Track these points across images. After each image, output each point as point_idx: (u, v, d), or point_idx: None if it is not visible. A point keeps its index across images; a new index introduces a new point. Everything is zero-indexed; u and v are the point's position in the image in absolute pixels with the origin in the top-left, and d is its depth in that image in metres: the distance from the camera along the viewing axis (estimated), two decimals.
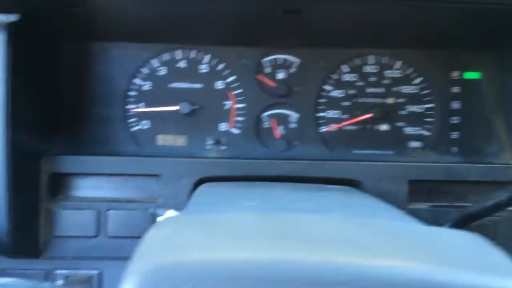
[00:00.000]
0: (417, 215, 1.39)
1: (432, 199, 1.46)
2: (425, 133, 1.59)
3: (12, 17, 1.20)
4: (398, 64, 1.59)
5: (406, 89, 1.59)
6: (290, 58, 1.57)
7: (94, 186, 1.40)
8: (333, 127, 1.58)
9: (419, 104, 1.59)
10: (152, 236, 0.55)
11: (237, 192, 1.06)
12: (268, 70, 1.57)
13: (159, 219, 1.21)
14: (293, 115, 1.58)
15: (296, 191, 1.10)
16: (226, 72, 1.55)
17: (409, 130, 1.59)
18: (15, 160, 1.19)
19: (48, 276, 1.33)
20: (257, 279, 0.41)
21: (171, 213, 1.22)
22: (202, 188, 1.19)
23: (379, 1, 1.17)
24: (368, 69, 1.58)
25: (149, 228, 0.60)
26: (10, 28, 1.17)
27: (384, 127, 1.59)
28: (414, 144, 1.55)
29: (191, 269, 0.44)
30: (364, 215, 0.74)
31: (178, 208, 1.35)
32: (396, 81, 1.59)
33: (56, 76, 1.47)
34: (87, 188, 1.40)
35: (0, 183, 1.16)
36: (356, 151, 1.58)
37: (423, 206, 1.44)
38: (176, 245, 0.50)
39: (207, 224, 0.58)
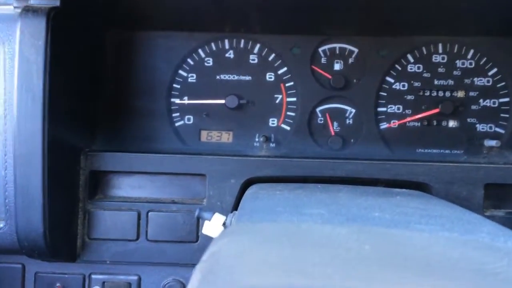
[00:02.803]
0: None
1: (511, 205, 1.28)
2: (500, 130, 1.41)
3: (52, 2, 1.11)
4: (470, 53, 1.41)
5: (478, 81, 1.41)
6: (348, 47, 1.42)
7: (135, 185, 1.31)
8: (395, 123, 1.42)
9: (493, 98, 1.41)
10: (229, 250, 0.43)
11: (296, 196, 0.93)
12: (323, 60, 1.43)
13: (207, 223, 1.10)
14: (350, 110, 1.43)
15: (361, 196, 0.96)
16: (278, 63, 1.43)
17: (482, 127, 1.41)
18: (53, 156, 1.10)
19: (85, 281, 1.24)
20: None
21: (218, 217, 1.11)
22: (254, 189, 1.07)
23: None
24: (436, 59, 1.42)
25: (217, 237, 0.48)
26: (51, 14, 1.08)
27: (453, 123, 1.42)
28: (489, 143, 1.37)
29: None
30: (468, 232, 0.60)
31: (224, 210, 1.25)
32: (468, 73, 1.41)
33: (98, 67, 1.39)
34: (127, 187, 1.31)
35: (36, 181, 1.07)
36: (420, 150, 1.42)
37: (500, 213, 1.27)
38: (265, 265, 0.38)
39: (288, 238, 0.45)
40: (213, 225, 1.10)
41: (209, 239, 1.10)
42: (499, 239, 0.55)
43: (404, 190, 1.12)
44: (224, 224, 1.10)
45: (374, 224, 0.63)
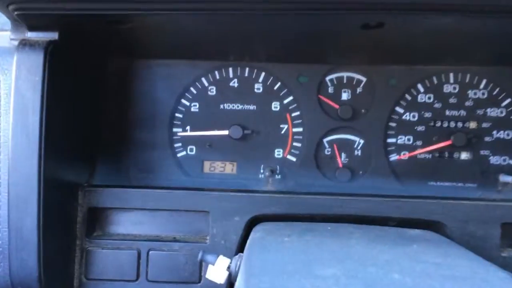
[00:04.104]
0: (511, 264, 1.18)
1: None
2: None
3: (51, 35, 1.06)
4: (483, 83, 1.36)
5: (491, 112, 1.36)
6: (356, 76, 1.38)
7: (135, 221, 1.26)
8: (405, 155, 1.37)
9: (507, 129, 1.36)
10: None
11: (306, 244, 0.87)
12: (330, 89, 1.38)
13: (211, 267, 1.04)
14: (359, 141, 1.38)
15: (375, 244, 0.90)
16: (283, 92, 1.38)
17: (495, 159, 1.36)
18: (50, 194, 1.05)
19: None
20: None
21: (222, 260, 1.06)
22: (260, 234, 1.01)
23: (477, 12, 0.96)
24: (447, 88, 1.37)
25: None
26: (49, 48, 1.04)
27: (465, 156, 1.37)
28: (504, 178, 1.31)
29: None
30: None
31: (228, 250, 1.19)
32: (480, 103, 1.36)
33: (98, 98, 1.34)
34: (127, 223, 1.26)
35: (31, 222, 1.02)
36: (432, 184, 1.36)
37: None
38: None
39: None
40: (217, 270, 1.05)
41: (213, 281, 1.05)
42: None
43: (418, 232, 1.07)
44: (229, 267, 1.05)
45: None
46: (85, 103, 1.26)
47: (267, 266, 0.75)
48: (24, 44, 1.03)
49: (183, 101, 1.38)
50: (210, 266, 1.04)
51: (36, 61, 1.02)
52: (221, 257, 1.05)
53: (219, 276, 1.04)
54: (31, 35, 1.06)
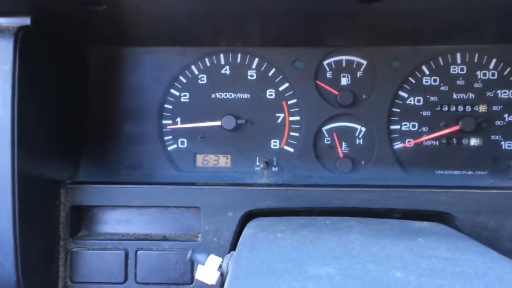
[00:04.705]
0: None
1: None
2: None
3: (22, 21, 0.99)
4: (493, 62, 1.27)
5: (502, 93, 1.27)
6: (356, 59, 1.29)
7: (122, 219, 1.18)
8: (410, 142, 1.28)
9: None
10: None
11: (300, 240, 0.79)
12: (329, 74, 1.29)
13: (200, 267, 0.96)
14: (360, 129, 1.29)
15: (377, 238, 0.82)
16: (278, 78, 1.29)
17: (507, 145, 1.27)
18: (26, 192, 0.98)
19: None
20: None
21: (213, 259, 0.97)
22: (252, 230, 0.93)
23: None
24: (454, 70, 1.28)
25: None
26: (19, 34, 0.96)
27: (475, 142, 1.27)
28: None
29: None
30: None
31: (222, 247, 1.12)
32: (490, 84, 1.27)
33: (80, 88, 1.26)
34: (113, 222, 1.18)
35: (6, 222, 0.95)
36: (439, 172, 1.27)
37: None
38: None
39: None
40: (207, 270, 0.97)
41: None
42: None
43: (425, 224, 0.98)
44: (220, 267, 0.97)
45: None
46: (65, 95, 1.18)
47: (255, 266, 0.66)
48: None
49: (172, 91, 1.30)
50: (199, 266, 0.96)
51: (5, 48, 0.94)
52: (211, 256, 0.97)
53: (210, 277, 0.96)
54: (1, 21, 0.98)
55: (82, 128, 1.26)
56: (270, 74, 1.29)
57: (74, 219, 1.15)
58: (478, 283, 0.59)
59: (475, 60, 1.27)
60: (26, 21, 0.99)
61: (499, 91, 1.27)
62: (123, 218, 1.18)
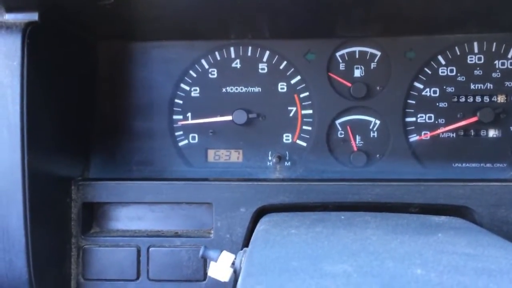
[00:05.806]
0: None
1: None
2: None
3: (30, 16, 0.97)
4: (511, 51, 1.23)
5: None
6: (369, 50, 1.26)
7: (134, 216, 1.17)
8: (427, 135, 1.25)
9: None
10: None
11: (315, 237, 0.77)
12: (342, 66, 1.26)
13: (213, 264, 0.95)
14: (375, 122, 1.26)
15: (394, 233, 0.79)
16: (290, 71, 1.27)
17: None
18: (37, 189, 0.97)
19: None
20: None
21: (226, 256, 0.96)
22: (265, 225, 0.91)
23: None
24: (472, 59, 1.24)
25: None
26: (27, 30, 0.95)
27: (493, 133, 1.24)
28: None
29: None
30: None
31: (234, 244, 1.10)
32: (509, 74, 1.23)
33: (89, 84, 1.25)
34: (125, 219, 1.17)
35: (17, 220, 0.94)
36: (457, 165, 1.24)
37: None
38: None
39: None
40: (220, 266, 0.95)
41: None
42: None
43: (443, 218, 0.95)
44: (233, 264, 0.95)
45: None
46: (74, 91, 1.17)
47: (268, 263, 0.64)
48: (1, 27, 0.94)
49: (183, 85, 1.29)
50: (212, 263, 0.94)
51: (13, 44, 0.93)
52: (224, 252, 0.96)
53: (223, 274, 0.94)
54: (9, 17, 0.98)
55: (92, 124, 1.25)
56: (281, 67, 1.27)
57: (85, 216, 1.14)
58: (502, 279, 0.56)
59: (493, 49, 1.23)
60: (34, 16, 0.98)
61: None
62: (134, 214, 1.17)
